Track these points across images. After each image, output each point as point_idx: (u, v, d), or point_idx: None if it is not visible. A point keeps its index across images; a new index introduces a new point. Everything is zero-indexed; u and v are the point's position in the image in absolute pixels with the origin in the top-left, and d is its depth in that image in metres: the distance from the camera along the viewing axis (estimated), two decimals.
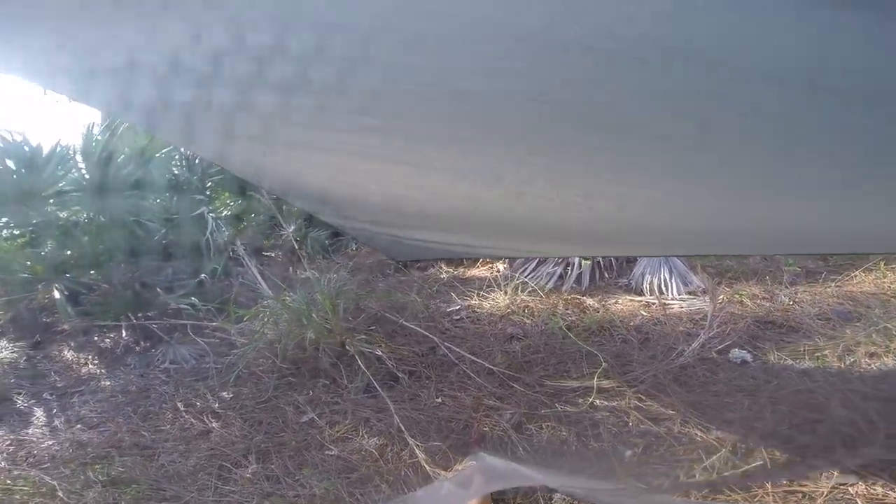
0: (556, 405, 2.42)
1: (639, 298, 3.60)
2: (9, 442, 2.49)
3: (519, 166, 1.03)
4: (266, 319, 3.12)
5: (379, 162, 1.31)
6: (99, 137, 3.81)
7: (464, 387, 2.64)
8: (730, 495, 1.81)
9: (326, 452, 2.26)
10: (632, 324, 3.27)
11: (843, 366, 2.64)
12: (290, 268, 3.92)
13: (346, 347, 2.84)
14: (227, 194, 4.55)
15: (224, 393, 2.83)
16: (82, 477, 2.17)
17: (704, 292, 3.47)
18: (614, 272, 4.08)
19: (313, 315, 2.89)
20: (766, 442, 2.08)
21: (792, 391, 2.45)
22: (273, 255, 4.40)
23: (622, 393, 2.50)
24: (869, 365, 2.64)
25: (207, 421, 2.57)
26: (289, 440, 2.37)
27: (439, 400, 2.55)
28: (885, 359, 2.67)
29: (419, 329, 3.09)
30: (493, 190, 1.23)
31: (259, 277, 3.42)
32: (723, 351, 2.83)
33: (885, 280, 3.46)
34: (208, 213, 4.00)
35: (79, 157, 3.80)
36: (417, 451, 2.12)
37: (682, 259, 3.87)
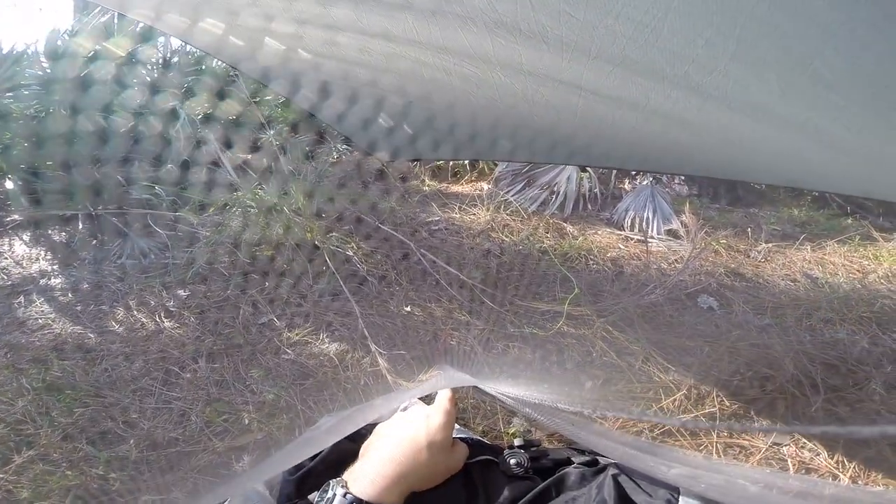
0: (525, 326, 2.41)
1: (619, 232, 3.56)
2: None
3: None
4: (233, 210, 2.90)
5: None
6: (66, 37, 3.70)
7: (435, 297, 2.58)
8: (678, 439, 1.87)
9: (282, 356, 2.19)
10: (608, 255, 3.24)
11: (800, 327, 2.71)
12: (266, 164, 3.66)
13: (316, 245, 2.69)
14: (206, 94, 4.19)
15: (180, 290, 2.69)
16: (15, 384, 2.05)
17: (686, 234, 3.45)
18: (598, 204, 4.01)
19: (284, 209, 2.69)
20: (719, 390, 2.14)
21: (749, 344, 2.51)
22: (250, 155, 4.12)
23: (590, 322, 2.50)
24: (823, 330, 2.72)
25: (159, 321, 2.45)
26: (243, 343, 2.28)
27: (408, 308, 2.49)
28: (839, 326, 2.75)
29: (395, 233, 2.96)
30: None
31: (230, 170, 3.15)
32: (692, 295, 2.86)
33: (856, 254, 3.51)
34: (181, 107, 3.67)
35: (42, 57, 3.74)
36: (380, 359, 2.07)
37: (668, 201, 3.81)
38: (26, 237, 3.28)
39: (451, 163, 4.53)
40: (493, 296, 2.60)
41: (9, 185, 3.32)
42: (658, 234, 3.55)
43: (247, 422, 1.85)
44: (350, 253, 2.73)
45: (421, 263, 2.76)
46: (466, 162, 4.49)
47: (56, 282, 2.86)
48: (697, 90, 0.86)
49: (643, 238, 3.47)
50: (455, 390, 0.85)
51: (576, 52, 0.85)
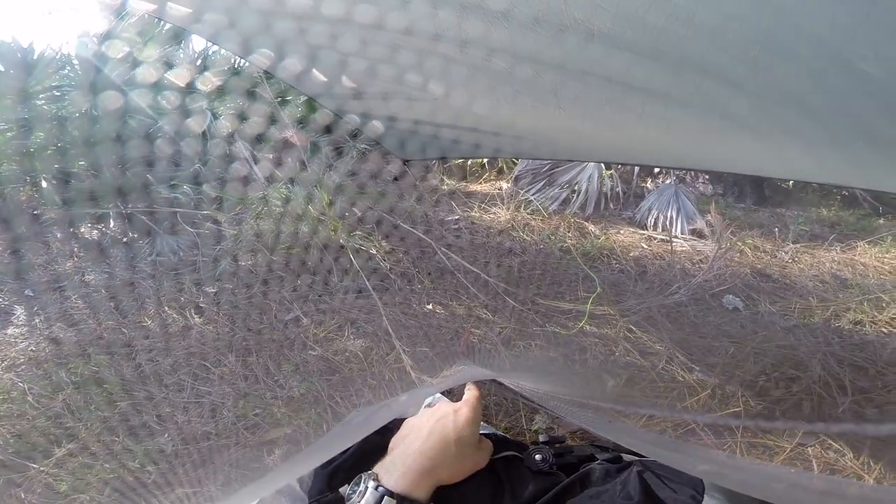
0: (547, 325, 2.41)
1: (642, 232, 3.53)
2: None
3: None
4: (260, 209, 2.97)
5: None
6: (94, 41, 3.77)
7: (456, 296, 2.60)
8: (701, 438, 1.86)
9: (309, 352, 2.23)
10: (631, 255, 3.22)
11: (828, 328, 2.66)
12: (290, 163, 3.73)
13: (341, 243, 2.74)
14: (229, 96, 4.29)
15: (209, 287, 2.75)
16: (54, 378, 2.12)
17: (711, 233, 3.41)
18: (620, 203, 3.98)
19: (309, 207, 2.75)
20: (743, 391, 2.12)
21: (775, 345, 2.47)
22: (273, 155, 4.21)
23: (613, 321, 2.49)
24: (852, 332, 2.66)
25: (190, 317, 2.52)
26: (271, 338, 2.33)
27: (430, 306, 2.51)
28: (869, 328, 2.69)
29: (416, 232, 2.99)
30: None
31: (256, 170, 3.22)
32: (717, 295, 2.82)
33: (888, 255, 3.42)
34: (207, 108, 3.77)
35: (74, 60, 3.85)
36: (404, 355, 2.09)
37: (692, 200, 3.76)
38: (60, 236, 3.39)
39: (468, 161, 4.54)
40: (514, 294, 2.60)
41: (44, 185, 3.43)
42: (682, 234, 3.51)
43: (278, 416, 1.88)
44: (373, 251, 2.77)
45: (442, 262, 2.78)
46: (485, 160, 4.49)
47: (90, 278, 2.96)
48: (730, 81, 0.86)
49: (667, 237, 3.43)
50: (479, 387, 0.86)
51: (607, 44, 0.85)
